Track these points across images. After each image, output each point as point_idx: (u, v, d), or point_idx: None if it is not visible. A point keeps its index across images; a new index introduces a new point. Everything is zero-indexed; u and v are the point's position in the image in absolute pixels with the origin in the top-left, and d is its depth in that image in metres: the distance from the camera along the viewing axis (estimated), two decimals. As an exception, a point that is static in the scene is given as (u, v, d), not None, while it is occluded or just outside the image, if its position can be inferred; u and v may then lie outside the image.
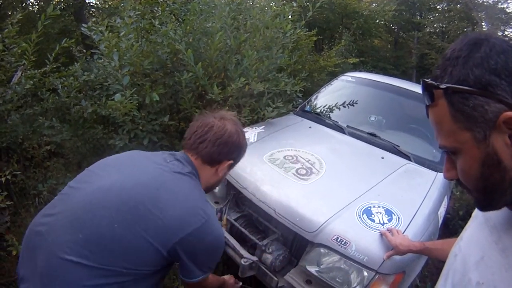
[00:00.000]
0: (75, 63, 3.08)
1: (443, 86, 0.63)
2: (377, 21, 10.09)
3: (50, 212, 1.21)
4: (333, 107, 3.10)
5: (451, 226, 3.44)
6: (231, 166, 1.49)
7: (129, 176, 1.25)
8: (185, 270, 1.26)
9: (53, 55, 2.82)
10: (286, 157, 2.37)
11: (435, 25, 12.98)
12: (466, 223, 0.88)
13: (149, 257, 1.15)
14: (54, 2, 6.25)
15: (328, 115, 3.13)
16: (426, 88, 0.67)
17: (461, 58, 0.62)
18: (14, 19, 2.83)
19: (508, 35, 11.02)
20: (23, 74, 2.88)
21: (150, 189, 1.20)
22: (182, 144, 1.52)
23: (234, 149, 1.43)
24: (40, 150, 3.54)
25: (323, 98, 3.45)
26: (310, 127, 2.93)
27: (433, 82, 0.65)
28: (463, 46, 0.63)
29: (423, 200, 2.08)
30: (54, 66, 2.90)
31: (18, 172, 2.86)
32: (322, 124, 2.98)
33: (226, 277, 1.81)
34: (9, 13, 5.88)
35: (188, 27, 2.83)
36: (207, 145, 1.37)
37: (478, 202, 0.70)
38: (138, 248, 1.13)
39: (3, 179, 2.55)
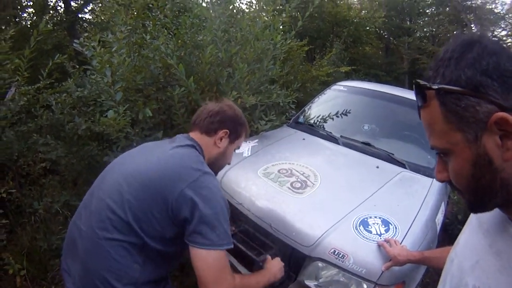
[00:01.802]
0: (69, 79, 3.08)
1: (435, 87, 0.63)
2: (368, 28, 10.14)
3: (83, 207, 1.47)
4: (326, 117, 3.11)
5: (450, 231, 3.44)
6: (230, 137, 1.62)
7: (143, 160, 1.44)
8: (193, 234, 1.30)
9: (46, 71, 2.82)
10: (281, 171, 2.37)
11: (425, 30, 13.07)
12: (465, 227, 0.90)
13: (159, 219, 1.30)
14: (47, 18, 6.25)
15: (321, 126, 3.14)
16: (419, 89, 0.67)
17: (454, 59, 0.62)
18: (7, 35, 2.84)
19: (498, 35, 11.11)
20: (16, 91, 2.88)
21: (157, 164, 1.38)
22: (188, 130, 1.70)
23: (227, 119, 1.59)
24: (35, 167, 3.52)
25: (316, 109, 3.47)
26: (303, 139, 2.93)
27: (426, 83, 0.65)
28: (456, 47, 0.63)
29: (420, 208, 2.08)
30: (48, 82, 2.90)
31: (13, 190, 2.85)
32: (315, 135, 2.99)
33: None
34: (2, 27, 5.87)
35: (179, 41, 2.83)
36: (202, 118, 1.58)
37: (470, 204, 0.70)
38: (146, 210, 1.30)
39: (-2, 197, 2.55)
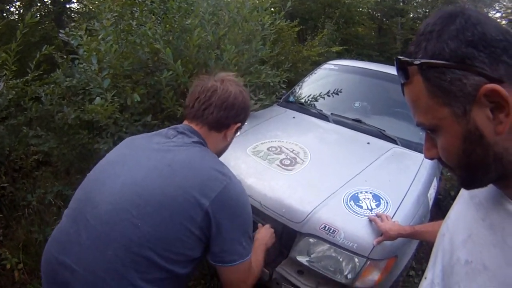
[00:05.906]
0: (57, 70, 3.06)
1: (417, 62, 0.61)
2: (360, 9, 10.03)
3: (67, 239, 1.13)
4: (317, 96, 3.10)
5: (443, 207, 3.46)
6: (238, 129, 1.45)
7: (137, 165, 1.18)
8: (221, 254, 1.16)
9: (34, 63, 2.80)
10: (270, 149, 2.36)
11: (418, 10, 12.92)
12: (458, 203, 0.88)
13: (186, 242, 1.10)
14: (34, 10, 6.17)
15: (312, 104, 3.13)
16: (400, 65, 0.65)
17: (435, 32, 0.60)
18: (-6, 29, 2.81)
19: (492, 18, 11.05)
20: (5, 85, 2.86)
21: (162, 170, 1.14)
22: (184, 114, 1.45)
23: (241, 111, 1.37)
24: (27, 160, 3.52)
25: (307, 88, 3.46)
26: (294, 117, 2.93)
27: (407, 59, 0.63)
28: (437, 20, 0.61)
29: (412, 183, 2.09)
30: (36, 74, 2.88)
31: (6, 184, 2.85)
32: (306, 114, 2.99)
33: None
34: (-11, 23, 5.80)
35: (167, 26, 2.81)
36: (213, 111, 1.31)
37: (462, 180, 0.68)
38: (170, 236, 1.08)
39: (-9, 193, 2.55)
